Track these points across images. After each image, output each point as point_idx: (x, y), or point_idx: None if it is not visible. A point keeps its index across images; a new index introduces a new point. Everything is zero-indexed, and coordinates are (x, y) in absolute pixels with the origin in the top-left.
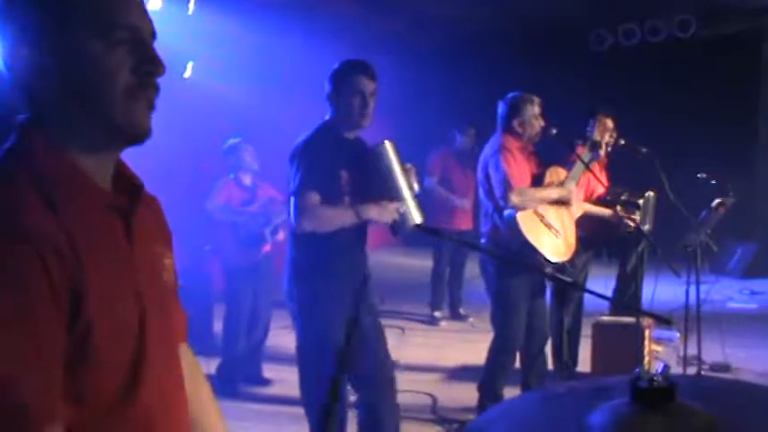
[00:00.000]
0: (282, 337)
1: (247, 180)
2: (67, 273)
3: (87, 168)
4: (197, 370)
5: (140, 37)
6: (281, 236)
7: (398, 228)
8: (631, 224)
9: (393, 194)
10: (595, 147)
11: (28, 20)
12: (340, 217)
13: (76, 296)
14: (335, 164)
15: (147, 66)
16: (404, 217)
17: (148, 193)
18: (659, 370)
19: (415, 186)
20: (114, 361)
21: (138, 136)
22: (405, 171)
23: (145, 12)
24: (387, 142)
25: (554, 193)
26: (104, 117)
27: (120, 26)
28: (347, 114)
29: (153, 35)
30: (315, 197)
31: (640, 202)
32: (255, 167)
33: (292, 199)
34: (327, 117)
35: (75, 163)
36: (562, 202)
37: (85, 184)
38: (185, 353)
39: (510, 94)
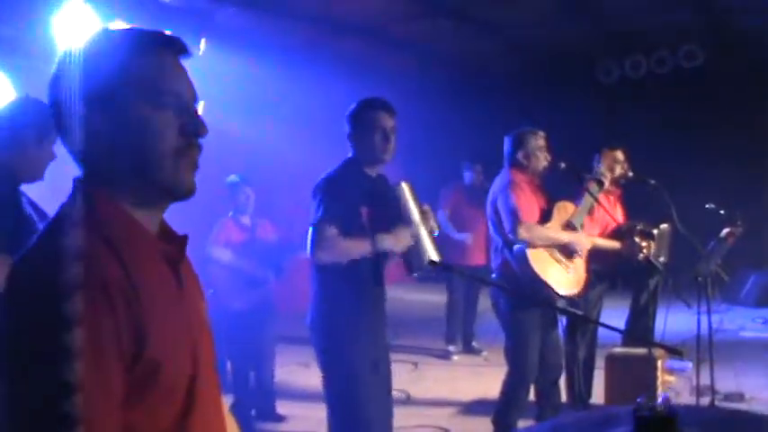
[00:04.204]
0: (295, 373)
1: (246, 220)
2: (133, 317)
3: (140, 220)
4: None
5: (184, 101)
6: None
7: (414, 266)
8: (642, 254)
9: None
10: (601, 182)
11: (85, 85)
12: (356, 248)
13: (140, 338)
14: (357, 200)
15: (192, 127)
16: (419, 253)
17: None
18: (661, 400)
19: (434, 227)
20: (173, 394)
21: (184, 194)
22: (422, 213)
23: (188, 79)
24: (403, 183)
25: (564, 237)
26: (153, 176)
27: (166, 92)
28: (370, 151)
29: (195, 99)
30: (333, 230)
31: (654, 232)
32: (251, 210)
33: (310, 230)
34: (350, 155)
35: (131, 215)
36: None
37: (142, 234)
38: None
39: (515, 130)
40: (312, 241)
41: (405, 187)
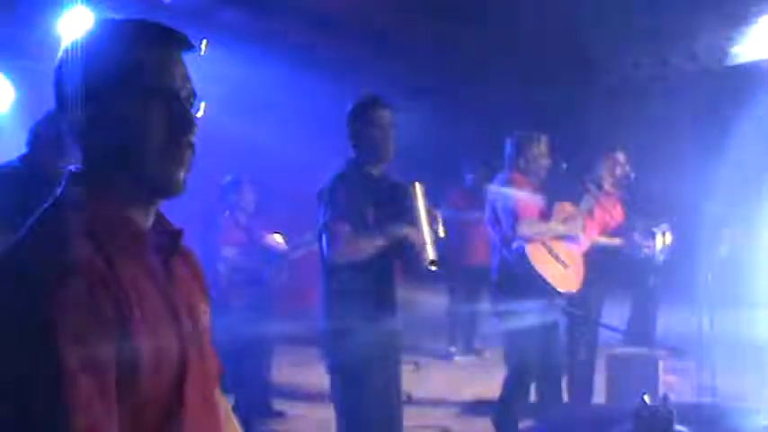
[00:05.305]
0: (296, 372)
1: (243, 219)
2: (113, 303)
3: (130, 214)
4: (230, 415)
5: (176, 99)
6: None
7: (413, 269)
8: (645, 251)
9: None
10: (600, 186)
11: (77, 78)
12: (371, 243)
13: (122, 325)
14: (364, 201)
15: (180, 126)
16: (418, 256)
17: (185, 245)
18: (660, 398)
19: (440, 232)
20: (156, 389)
21: (171, 192)
22: (430, 215)
23: (185, 75)
24: (417, 184)
25: (562, 228)
26: (139, 172)
27: (156, 88)
28: (372, 150)
29: (192, 96)
30: (346, 227)
31: (655, 230)
32: (251, 208)
33: (323, 232)
34: (352, 156)
35: (118, 209)
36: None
37: (127, 226)
38: (220, 398)
39: (516, 133)
40: (327, 242)
41: (417, 188)
